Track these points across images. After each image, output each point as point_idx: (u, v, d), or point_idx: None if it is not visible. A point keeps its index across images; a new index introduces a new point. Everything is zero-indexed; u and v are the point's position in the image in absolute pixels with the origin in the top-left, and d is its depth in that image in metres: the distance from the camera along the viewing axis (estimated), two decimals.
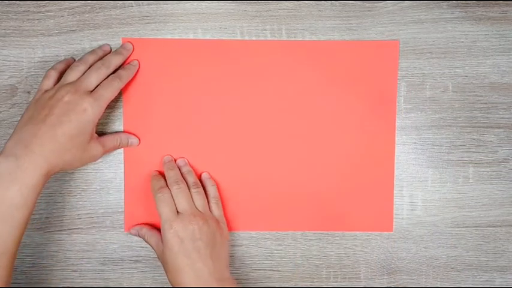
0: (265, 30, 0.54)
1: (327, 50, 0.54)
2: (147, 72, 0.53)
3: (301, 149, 0.53)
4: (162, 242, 0.49)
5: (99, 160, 0.53)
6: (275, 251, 0.55)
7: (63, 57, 0.54)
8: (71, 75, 0.48)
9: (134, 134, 0.54)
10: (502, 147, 0.55)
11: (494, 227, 0.55)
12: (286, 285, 0.55)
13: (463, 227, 0.55)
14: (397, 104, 0.54)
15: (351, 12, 0.54)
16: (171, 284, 0.48)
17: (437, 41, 0.54)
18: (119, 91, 0.50)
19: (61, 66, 0.51)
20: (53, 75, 0.50)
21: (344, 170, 0.54)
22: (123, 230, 0.54)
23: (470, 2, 0.54)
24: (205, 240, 0.48)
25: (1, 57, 0.54)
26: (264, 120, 0.53)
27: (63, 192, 0.54)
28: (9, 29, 0.54)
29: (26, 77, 0.54)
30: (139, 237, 0.53)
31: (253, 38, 0.54)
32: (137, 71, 0.53)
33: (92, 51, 0.52)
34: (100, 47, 0.53)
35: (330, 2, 0.54)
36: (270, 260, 0.55)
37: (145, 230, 0.53)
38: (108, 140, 0.51)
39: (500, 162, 0.55)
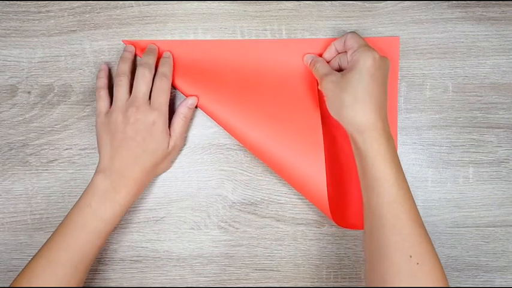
0: (265, 30, 0.54)
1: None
2: None
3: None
4: None
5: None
6: (275, 251, 0.55)
7: (63, 57, 0.54)
8: (121, 94, 0.50)
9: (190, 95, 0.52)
10: (502, 148, 0.55)
11: (494, 227, 0.55)
12: (287, 286, 0.55)
13: (463, 227, 0.55)
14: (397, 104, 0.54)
15: (351, 13, 0.54)
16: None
17: (438, 41, 0.54)
18: (170, 88, 0.51)
19: (105, 82, 0.52)
20: (104, 94, 0.51)
21: (344, 169, 0.54)
22: (123, 229, 0.54)
23: (470, 2, 0.54)
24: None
25: (1, 58, 0.54)
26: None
27: (63, 192, 0.54)
28: (10, 29, 0.54)
29: (27, 77, 0.54)
30: None
31: (254, 38, 0.54)
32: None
33: (122, 59, 0.52)
34: (125, 49, 0.53)
35: (330, 2, 0.54)
36: (270, 260, 0.55)
37: None
38: (176, 127, 0.52)
39: (500, 162, 0.55)
